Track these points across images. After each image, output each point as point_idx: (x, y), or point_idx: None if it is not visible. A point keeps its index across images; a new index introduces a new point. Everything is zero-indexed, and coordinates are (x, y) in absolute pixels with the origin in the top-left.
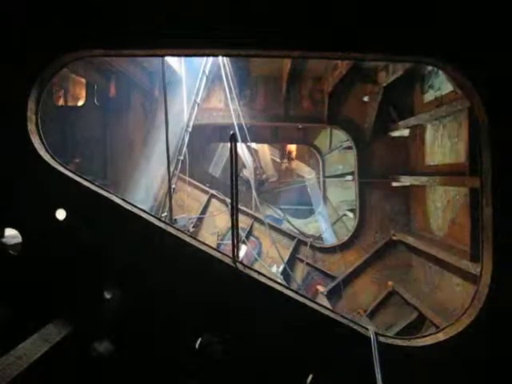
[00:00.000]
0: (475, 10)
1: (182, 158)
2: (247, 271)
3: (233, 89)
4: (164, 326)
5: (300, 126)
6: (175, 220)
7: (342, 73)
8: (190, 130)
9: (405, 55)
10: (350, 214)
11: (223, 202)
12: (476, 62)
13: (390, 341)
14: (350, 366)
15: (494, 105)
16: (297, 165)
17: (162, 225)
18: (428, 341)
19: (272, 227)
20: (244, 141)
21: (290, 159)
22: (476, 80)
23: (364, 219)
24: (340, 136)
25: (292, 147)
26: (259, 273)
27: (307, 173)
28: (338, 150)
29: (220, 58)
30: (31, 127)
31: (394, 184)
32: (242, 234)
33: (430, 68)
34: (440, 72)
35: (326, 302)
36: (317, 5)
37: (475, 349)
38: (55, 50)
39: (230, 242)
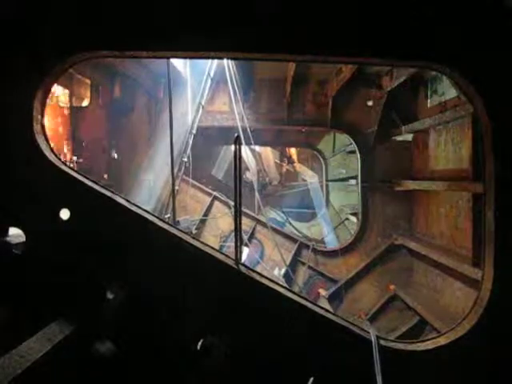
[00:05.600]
0: (477, 15)
1: (185, 159)
2: (249, 273)
3: (237, 91)
4: (166, 327)
5: (303, 130)
6: (178, 222)
7: (346, 77)
8: (194, 132)
9: (407, 60)
10: (353, 218)
11: (226, 204)
12: (479, 67)
13: (391, 344)
14: (350, 369)
15: (497, 109)
16: (300, 168)
17: (164, 226)
18: (429, 345)
19: (274, 230)
20: (248, 144)
21: (291, 162)
22: (479, 84)
23: (366, 223)
24: (343, 140)
25: (291, 150)
26: (261, 275)
27: (310, 176)
28: (342, 153)
29: (225, 60)
30: (37, 127)
31: (397, 188)
32: (245, 237)
33: (434, 73)
34: (444, 77)
35: (327, 306)
36: (319, 9)
37: (476, 353)
38: (61, 51)
39: (233, 243)
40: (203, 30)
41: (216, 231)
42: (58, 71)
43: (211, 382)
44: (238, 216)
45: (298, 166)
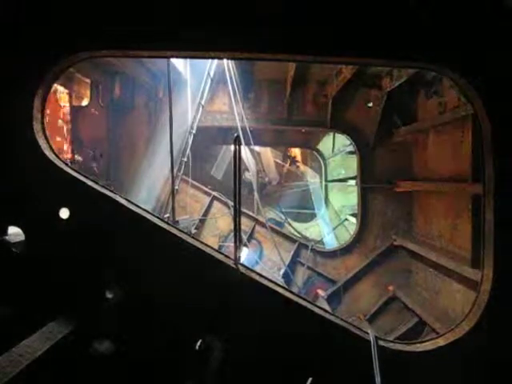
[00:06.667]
0: (477, 15)
1: (185, 159)
2: (248, 273)
3: (237, 92)
4: (165, 327)
5: (303, 130)
6: (177, 221)
7: (347, 77)
8: (193, 131)
9: (407, 61)
10: (352, 219)
11: (225, 204)
12: (478, 68)
13: (389, 345)
14: (349, 369)
15: (497, 110)
16: (304, 168)
17: (164, 225)
18: (428, 346)
19: (273, 230)
20: (247, 144)
21: (294, 162)
22: (478, 85)
23: (365, 224)
24: (343, 140)
25: (296, 150)
26: (260, 275)
27: (311, 176)
28: (341, 154)
29: (225, 60)
30: (37, 126)
31: (396, 189)
32: (244, 237)
33: (434, 74)
34: (444, 78)
35: (326, 306)
36: (319, 9)
37: (475, 354)
38: (61, 50)
39: (232, 244)
40: (203, 29)
41: (215, 231)
42: (59, 70)
43: (210, 382)
44: (237, 216)
45: (301, 166)
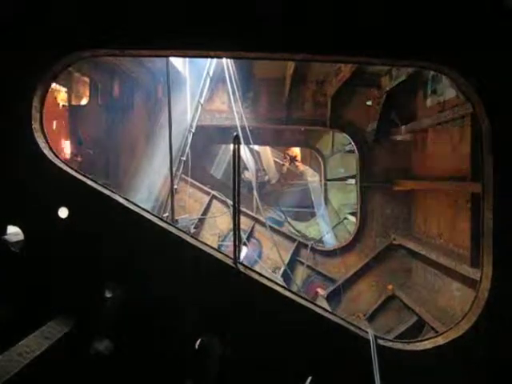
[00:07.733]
0: (477, 15)
1: (184, 158)
2: (248, 272)
3: (236, 91)
4: (164, 326)
5: (302, 129)
6: (176, 221)
7: (346, 76)
8: (193, 130)
9: (406, 60)
10: (351, 218)
11: (224, 203)
12: (478, 67)
13: (389, 344)
14: (349, 368)
15: (496, 109)
16: (304, 167)
17: (163, 225)
18: (427, 345)
19: (273, 229)
20: (247, 143)
21: (294, 161)
22: (478, 85)
23: (365, 223)
24: (342, 139)
25: (296, 150)
26: (260, 274)
27: (310, 175)
28: (340, 153)
29: (224, 59)
30: (35, 125)
31: (396, 188)
32: (243, 236)
33: (433, 73)
34: (443, 77)
35: (325, 305)
36: (319, 9)
37: (475, 353)
38: (60, 49)
39: (231, 243)
40: (203, 29)
41: (215, 230)
42: (58, 69)
43: (210, 382)
44: (236, 215)
45: (300, 165)
